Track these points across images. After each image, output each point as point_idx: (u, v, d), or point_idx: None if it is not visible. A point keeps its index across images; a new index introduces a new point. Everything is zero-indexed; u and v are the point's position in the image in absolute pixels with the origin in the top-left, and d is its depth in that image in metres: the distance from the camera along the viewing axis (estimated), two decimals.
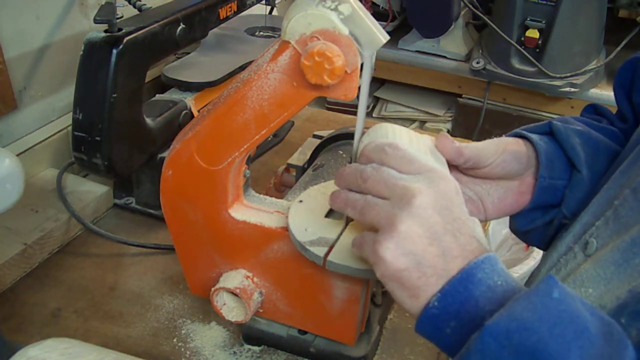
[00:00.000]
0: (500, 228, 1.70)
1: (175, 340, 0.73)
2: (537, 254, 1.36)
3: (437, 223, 0.44)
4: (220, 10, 0.94)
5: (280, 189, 0.88)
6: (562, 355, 0.37)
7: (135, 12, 0.89)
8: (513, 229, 0.65)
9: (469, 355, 0.41)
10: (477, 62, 1.68)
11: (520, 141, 0.61)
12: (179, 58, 1.06)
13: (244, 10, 1.02)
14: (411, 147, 0.51)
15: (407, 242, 0.44)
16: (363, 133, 0.55)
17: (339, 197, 0.50)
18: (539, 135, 0.61)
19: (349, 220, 0.57)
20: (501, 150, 0.59)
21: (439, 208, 0.45)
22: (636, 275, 0.45)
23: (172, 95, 0.96)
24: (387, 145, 0.49)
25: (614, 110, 0.68)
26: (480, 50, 1.72)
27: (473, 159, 0.57)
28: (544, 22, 1.54)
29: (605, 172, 0.59)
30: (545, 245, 0.64)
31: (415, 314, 0.45)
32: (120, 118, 0.78)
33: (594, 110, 0.69)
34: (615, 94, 0.66)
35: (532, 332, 0.38)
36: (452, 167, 0.57)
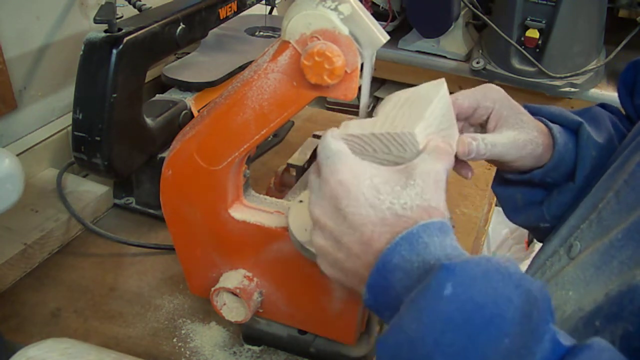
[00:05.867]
0: (501, 228, 1.69)
1: (175, 340, 0.73)
2: None
3: (332, 229, 0.44)
4: (220, 10, 0.94)
5: (280, 189, 0.88)
6: None
7: (135, 12, 0.89)
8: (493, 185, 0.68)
9: None
10: (477, 62, 1.68)
11: (546, 133, 0.60)
12: (179, 58, 1.06)
13: (244, 10, 1.02)
14: (384, 124, 0.47)
15: (326, 256, 0.46)
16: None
17: None
18: (565, 136, 0.60)
19: None
20: (526, 154, 0.58)
21: (329, 214, 0.45)
22: (613, 278, 0.45)
23: (172, 95, 0.96)
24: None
25: None
26: (480, 50, 1.72)
27: (492, 157, 0.57)
28: (544, 22, 1.54)
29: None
30: (520, 220, 0.67)
31: None
32: (120, 118, 0.78)
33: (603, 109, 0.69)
34: (619, 95, 0.66)
35: (419, 346, 0.36)
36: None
